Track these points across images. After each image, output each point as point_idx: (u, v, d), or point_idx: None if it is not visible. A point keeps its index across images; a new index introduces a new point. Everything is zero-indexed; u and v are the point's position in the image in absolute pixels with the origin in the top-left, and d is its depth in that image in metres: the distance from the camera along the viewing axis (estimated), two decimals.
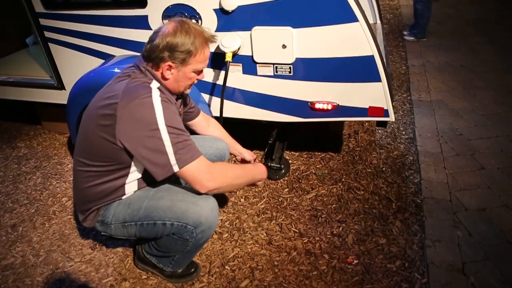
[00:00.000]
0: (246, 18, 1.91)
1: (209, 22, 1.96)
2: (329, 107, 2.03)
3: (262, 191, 2.35)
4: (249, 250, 1.94)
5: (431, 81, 3.65)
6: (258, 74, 2.05)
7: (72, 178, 2.12)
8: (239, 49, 1.97)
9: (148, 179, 1.60)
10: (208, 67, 2.10)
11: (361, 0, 1.93)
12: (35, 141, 3.15)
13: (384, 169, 2.46)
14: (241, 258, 1.90)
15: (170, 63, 1.43)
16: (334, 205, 2.19)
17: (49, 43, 2.41)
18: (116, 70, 1.99)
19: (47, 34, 2.37)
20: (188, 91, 1.61)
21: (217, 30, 1.97)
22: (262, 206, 2.23)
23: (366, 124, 2.99)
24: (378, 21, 2.78)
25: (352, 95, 1.98)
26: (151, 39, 1.43)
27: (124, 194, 1.57)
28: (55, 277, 1.88)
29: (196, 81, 1.57)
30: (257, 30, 1.92)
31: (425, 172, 2.39)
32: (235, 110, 2.20)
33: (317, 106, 2.04)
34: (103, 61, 2.28)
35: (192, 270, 1.79)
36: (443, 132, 2.82)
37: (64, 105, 2.32)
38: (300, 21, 1.84)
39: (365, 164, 2.52)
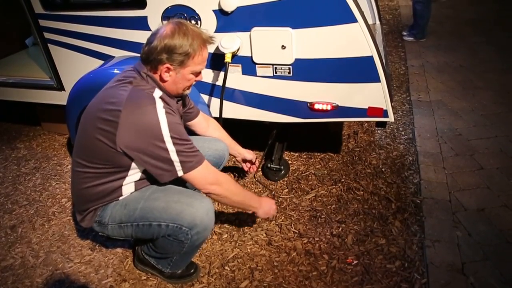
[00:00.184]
0: (245, 19, 1.91)
1: (209, 23, 1.97)
2: (329, 107, 2.03)
3: (262, 191, 2.35)
4: (249, 250, 1.94)
5: (430, 82, 3.65)
6: (257, 74, 2.05)
7: (71, 179, 2.12)
8: (238, 50, 1.98)
9: (145, 181, 1.60)
10: (207, 67, 2.10)
11: (360, 0, 1.93)
12: (34, 142, 3.15)
13: (383, 169, 2.46)
14: (241, 259, 1.90)
15: (168, 65, 1.43)
16: (333, 206, 2.19)
17: (48, 44, 2.41)
18: (116, 71, 1.99)
19: (47, 35, 2.37)
20: (187, 92, 1.61)
21: (217, 31, 1.97)
22: None
23: (366, 124, 2.99)
24: (377, 22, 2.78)
25: (351, 95, 1.98)
26: (149, 41, 1.43)
27: (122, 195, 1.57)
28: (54, 278, 1.88)
29: (194, 82, 1.57)
30: (257, 31, 1.92)
31: (424, 173, 2.39)
32: (235, 110, 2.20)
33: (317, 106, 2.05)
34: (102, 62, 2.28)
35: (192, 271, 1.79)
36: (443, 132, 2.82)
37: (64, 106, 2.32)
38: (299, 21, 1.85)
39: (365, 164, 2.52)
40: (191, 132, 1.93)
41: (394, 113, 2.20)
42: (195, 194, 1.57)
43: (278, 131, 2.39)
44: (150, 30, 2.07)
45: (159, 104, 1.40)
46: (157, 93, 1.45)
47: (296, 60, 1.94)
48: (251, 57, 2.00)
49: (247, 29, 1.93)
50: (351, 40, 1.82)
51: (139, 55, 1.51)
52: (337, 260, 1.85)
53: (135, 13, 2.07)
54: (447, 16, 5.53)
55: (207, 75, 2.14)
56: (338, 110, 2.04)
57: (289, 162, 2.58)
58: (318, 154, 2.66)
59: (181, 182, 1.58)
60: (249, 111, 2.19)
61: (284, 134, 2.49)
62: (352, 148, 2.71)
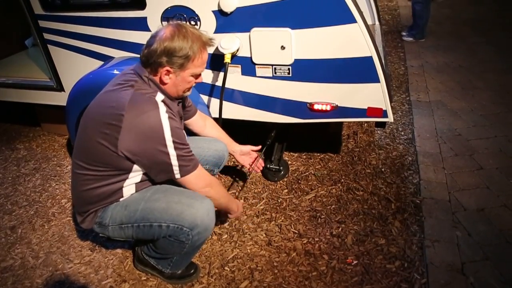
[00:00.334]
0: (245, 19, 1.91)
1: (208, 23, 1.97)
2: (328, 108, 2.04)
3: (262, 192, 2.36)
4: (249, 251, 1.94)
5: (430, 82, 3.66)
6: (257, 75, 2.06)
7: (71, 180, 2.12)
8: (238, 50, 1.98)
9: (146, 182, 1.60)
10: (207, 68, 2.11)
11: (360, 1, 1.93)
12: (34, 143, 3.15)
13: (383, 169, 2.47)
14: (241, 259, 1.90)
15: (168, 68, 1.43)
16: (333, 206, 2.19)
17: (48, 45, 2.41)
18: (115, 71, 1.99)
19: (46, 36, 2.37)
20: (187, 94, 1.61)
21: (216, 31, 1.97)
22: (262, 207, 2.23)
23: (365, 124, 3.00)
24: (377, 22, 2.78)
25: (351, 96, 1.99)
26: (149, 43, 1.43)
27: (122, 197, 1.57)
28: (54, 278, 1.88)
29: (194, 84, 1.57)
30: (256, 31, 1.92)
31: (424, 173, 2.40)
32: (234, 111, 2.21)
33: (316, 107, 2.05)
34: (102, 62, 2.28)
35: (192, 271, 1.79)
36: (442, 133, 2.82)
37: (64, 106, 2.32)
38: (299, 22, 1.85)
39: (364, 164, 2.53)
40: (189, 132, 1.93)
41: (393, 114, 2.21)
42: (196, 194, 1.57)
43: (278, 132, 2.39)
44: (149, 30, 2.07)
45: (162, 109, 1.41)
46: (159, 97, 1.46)
47: (296, 60, 1.95)
48: (251, 57, 2.00)
49: (247, 29, 1.93)
50: (351, 40, 1.83)
51: (138, 56, 1.51)
52: (337, 260, 1.85)
53: (135, 13, 2.08)
54: (447, 16, 5.53)
55: (207, 76, 2.14)
56: (338, 111, 2.04)
57: (289, 162, 2.58)
58: (318, 154, 2.67)
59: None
60: (248, 112, 2.19)
61: (284, 135, 2.49)
62: (352, 149, 2.71)
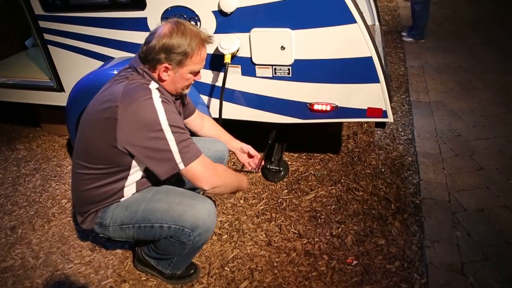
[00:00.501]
0: (245, 19, 1.92)
1: (208, 24, 1.97)
2: (328, 108, 2.04)
3: (262, 192, 2.36)
4: (249, 251, 1.94)
5: (430, 82, 3.66)
6: (257, 75, 2.06)
7: (71, 180, 2.12)
8: (238, 50, 1.98)
9: (147, 182, 1.60)
10: (207, 68, 2.11)
11: (359, 1, 1.93)
12: (34, 143, 3.15)
13: (383, 170, 2.47)
14: (241, 259, 1.90)
15: (166, 64, 1.43)
16: (333, 206, 2.19)
17: (48, 45, 2.41)
18: (115, 72, 1.99)
19: (47, 36, 2.38)
20: (186, 92, 1.60)
21: (216, 32, 1.98)
22: (262, 207, 2.23)
23: (365, 125, 3.00)
24: (377, 23, 2.78)
25: (350, 96, 1.99)
26: (147, 40, 1.43)
27: (123, 197, 1.57)
28: (54, 279, 1.88)
29: (193, 82, 1.57)
30: (256, 31, 1.92)
31: (424, 173, 2.40)
32: (234, 111, 2.21)
33: (316, 107, 2.05)
34: (102, 63, 2.29)
35: (192, 271, 1.79)
36: (442, 133, 2.82)
37: (64, 107, 2.32)
38: (299, 22, 1.85)
39: (364, 165, 2.53)
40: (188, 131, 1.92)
41: (393, 114, 2.20)
42: (197, 195, 1.57)
43: (278, 132, 2.39)
44: (149, 31, 2.06)
45: (156, 94, 1.39)
46: (153, 85, 1.44)
47: (296, 60, 1.95)
48: (251, 58, 2.01)
49: (247, 30, 1.93)
50: (350, 40, 1.83)
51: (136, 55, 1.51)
52: (337, 260, 1.85)
53: (135, 14, 2.08)
54: (446, 17, 5.54)
55: (207, 76, 2.14)
56: (338, 111, 2.05)
57: (289, 162, 2.58)
58: (318, 154, 2.67)
59: (181, 183, 1.58)
60: (248, 112, 2.19)
61: (284, 135, 2.49)
62: (352, 149, 2.71)
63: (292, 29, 1.87)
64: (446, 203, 2.15)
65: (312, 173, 2.49)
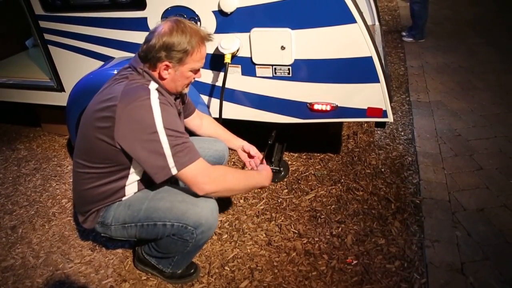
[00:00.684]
0: (245, 19, 1.92)
1: (208, 23, 1.97)
2: (328, 108, 2.04)
3: (262, 192, 2.36)
4: (249, 251, 1.95)
5: (430, 82, 3.66)
6: (257, 75, 2.06)
7: (71, 180, 2.12)
8: (238, 50, 1.98)
9: (148, 181, 1.59)
10: (207, 68, 2.11)
11: (360, 1, 1.94)
12: (34, 143, 3.15)
13: (383, 169, 2.47)
14: (241, 259, 1.90)
15: (167, 62, 1.43)
16: (333, 206, 2.20)
17: (48, 45, 2.42)
18: (116, 72, 1.99)
19: (47, 36, 2.38)
20: (186, 91, 1.61)
21: (216, 31, 1.98)
22: (262, 207, 2.23)
23: (365, 125, 3.00)
24: (377, 23, 2.79)
25: (350, 96, 1.99)
26: (147, 39, 1.43)
27: (124, 196, 1.57)
28: (55, 278, 1.89)
29: (193, 80, 1.57)
30: (256, 31, 1.92)
31: (424, 173, 2.40)
32: (234, 111, 2.21)
33: (316, 107, 2.05)
34: (102, 63, 2.29)
35: (192, 271, 1.79)
36: (442, 133, 2.83)
37: (64, 107, 2.32)
38: (299, 22, 1.85)
39: (364, 165, 2.53)
40: (188, 131, 1.92)
41: (393, 114, 2.21)
42: None
43: (278, 132, 2.40)
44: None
45: (154, 95, 1.38)
46: (153, 85, 1.44)
47: (296, 60, 1.95)
48: (251, 57, 2.01)
49: (247, 30, 1.94)
50: (350, 40, 1.83)
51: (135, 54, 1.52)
52: (337, 260, 1.85)
53: (135, 14, 2.08)
54: (446, 17, 5.54)
55: (207, 76, 2.15)
56: (338, 111, 2.05)
57: (289, 162, 2.59)
58: (318, 154, 2.67)
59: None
60: (248, 112, 2.19)
61: (284, 135, 2.49)
62: (352, 149, 2.72)
63: (292, 29, 1.87)
64: (446, 203, 2.15)
65: (312, 172, 2.49)
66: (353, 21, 1.78)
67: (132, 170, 1.51)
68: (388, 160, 2.56)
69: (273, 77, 2.04)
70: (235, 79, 2.11)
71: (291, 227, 2.07)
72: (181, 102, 1.74)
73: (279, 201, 2.27)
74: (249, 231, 2.07)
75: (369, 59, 1.85)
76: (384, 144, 2.75)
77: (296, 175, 2.48)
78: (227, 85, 2.07)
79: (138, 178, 1.56)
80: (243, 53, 2.01)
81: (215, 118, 2.12)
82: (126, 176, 1.52)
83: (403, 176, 2.40)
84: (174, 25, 1.41)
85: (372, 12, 2.78)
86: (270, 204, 2.25)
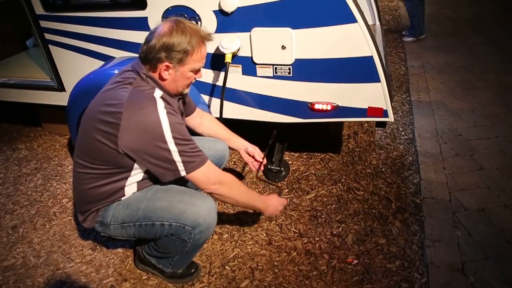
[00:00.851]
0: (246, 19, 1.92)
1: (209, 23, 1.97)
2: (329, 107, 2.04)
3: (262, 192, 2.36)
4: (249, 250, 1.95)
5: (430, 82, 3.66)
6: (257, 75, 2.06)
7: (72, 180, 2.12)
8: (238, 50, 1.98)
9: (148, 181, 1.60)
10: (207, 68, 2.11)
11: (360, 1, 1.93)
12: (35, 142, 3.15)
13: (383, 169, 2.47)
14: (241, 259, 1.90)
15: (167, 63, 1.43)
16: (333, 206, 2.20)
17: (49, 45, 2.42)
18: (116, 71, 1.99)
19: (47, 36, 2.38)
20: (187, 91, 1.61)
21: (217, 31, 1.98)
22: None
23: (366, 124, 3.00)
24: (377, 22, 2.79)
25: (351, 95, 1.99)
26: (147, 40, 1.43)
27: (124, 196, 1.57)
28: (55, 278, 1.89)
29: (194, 81, 1.57)
30: (257, 31, 1.92)
31: (424, 173, 2.40)
32: (235, 111, 2.21)
33: (317, 106, 2.05)
34: (103, 62, 2.29)
35: (192, 270, 1.79)
36: (443, 133, 2.82)
37: (65, 107, 2.33)
38: (299, 22, 1.85)
39: (365, 164, 2.53)
40: (188, 129, 1.92)
41: (394, 113, 2.21)
42: (198, 193, 1.57)
43: (279, 132, 2.40)
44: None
45: (160, 105, 1.40)
46: (158, 93, 1.45)
47: (296, 60, 1.95)
48: (251, 57, 2.01)
49: (247, 29, 1.94)
50: (351, 40, 1.83)
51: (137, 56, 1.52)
52: (337, 259, 1.85)
53: (136, 14, 2.08)
54: (447, 16, 5.54)
55: (208, 76, 2.15)
56: (338, 110, 2.05)
57: (289, 162, 2.59)
58: (318, 154, 2.67)
59: (182, 181, 1.58)
60: (249, 111, 2.19)
61: (285, 135, 2.49)
62: (352, 148, 2.72)
63: (293, 28, 1.87)
64: (447, 202, 2.15)
65: (313, 172, 2.49)
66: (354, 20, 1.78)
67: (132, 172, 1.51)
68: (389, 160, 2.56)
69: (274, 77, 2.04)
70: (235, 79, 2.11)
71: (292, 227, 2.07)
72: (182, 102, 1.74)
73: None
74: (250, 230, 2.07)
75: (370, 58, 1.85)
76: (385, 143, 2.75)
77: (296, 174, 2.48)
78: (227, 85, 2.07)
79: (139, 179, 1.56)
80: (244, 52, 2.01)
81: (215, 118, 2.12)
82: (126, 178, 1.52)
83: (404, 175, 2.40)
84: (174, 25, 1.41)
85: (373, 12, 2.78)
86: None
